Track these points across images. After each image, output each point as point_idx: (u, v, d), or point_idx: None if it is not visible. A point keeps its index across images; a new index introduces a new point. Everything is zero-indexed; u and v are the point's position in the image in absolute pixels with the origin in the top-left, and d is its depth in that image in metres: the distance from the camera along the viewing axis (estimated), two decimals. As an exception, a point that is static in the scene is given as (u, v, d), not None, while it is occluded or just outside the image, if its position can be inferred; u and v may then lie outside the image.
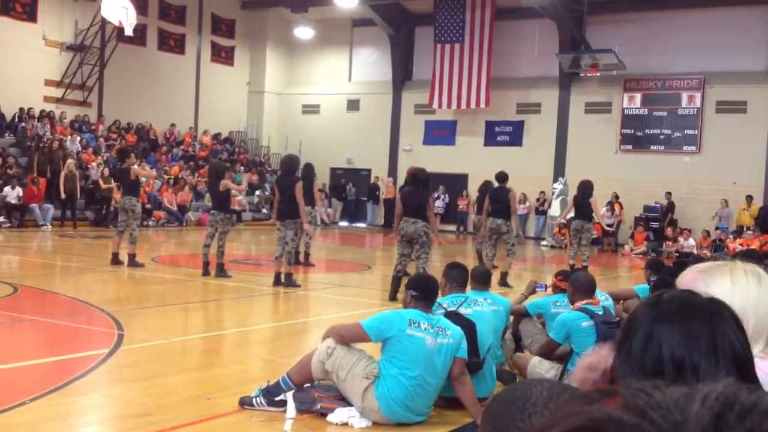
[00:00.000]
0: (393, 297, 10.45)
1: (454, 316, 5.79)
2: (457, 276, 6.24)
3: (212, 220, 12.23)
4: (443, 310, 5.86)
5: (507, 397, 1.03)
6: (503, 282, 12.33)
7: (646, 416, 0.54)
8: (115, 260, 12.90)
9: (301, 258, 13.91)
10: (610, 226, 22.60)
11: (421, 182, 10.87)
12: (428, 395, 5.28)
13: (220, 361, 7.20)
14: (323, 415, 5.22)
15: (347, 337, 5.36)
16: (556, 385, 1.05)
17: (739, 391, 0.56)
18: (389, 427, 5.20)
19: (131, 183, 12.90)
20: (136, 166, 13.49)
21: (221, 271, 12.07)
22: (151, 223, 22.23)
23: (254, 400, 5.34)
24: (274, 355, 7.61)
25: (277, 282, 11.49)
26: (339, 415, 5.16)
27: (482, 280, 6.68)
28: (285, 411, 5.31)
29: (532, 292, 7.52)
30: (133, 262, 12.69)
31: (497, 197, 13.07)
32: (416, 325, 5.22)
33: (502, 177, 13.34)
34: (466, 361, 5.41)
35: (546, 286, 7.69)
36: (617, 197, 23.48)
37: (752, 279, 1.70)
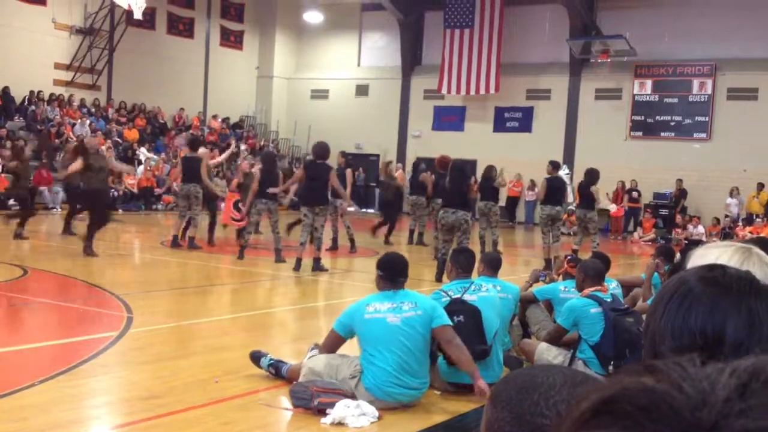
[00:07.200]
0: (439, 278, 10.75)
1: (459, 303, 5.79)
2: (463, 261, 6.19)
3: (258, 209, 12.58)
4: (448, 298, 5.85)
5: (526, 384, 0.98)
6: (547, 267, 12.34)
7: (676, 386, 0.58)
8: (175, 243, 13.68)
9: (327, 245, 14.12)
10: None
11: (461, 172, 11.28)
12: (413, 369, 5.25)
13: (228, 345, 7.22)
14: (321, 411, 5.01)
15: (331, 346, 5.47)
16: (579, 374, 1.02)
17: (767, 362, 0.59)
18: (389, 421, 5.16)
19: (198, 171, 13.64)
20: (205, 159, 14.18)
21: (244, 240, 12.60)
22: (159, 207, 22.27)
23: (263, 358, 5.74)
24: (283, 339, 7.63)
25: (297, 267, 11.46)
26: (338, 410, 4.94)
27: (493, 266, 6.66)
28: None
29: (536, 280, 7.57)
30: (192, 245, 13.50)
31: (557, 185, 13.52)
32: (373, 307, 5.29)
33: (555, 165, 13.85)
34: (450, 326, 5.36)
35: (546, 275, 7.87)
36: (623, 186, 23.31)
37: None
